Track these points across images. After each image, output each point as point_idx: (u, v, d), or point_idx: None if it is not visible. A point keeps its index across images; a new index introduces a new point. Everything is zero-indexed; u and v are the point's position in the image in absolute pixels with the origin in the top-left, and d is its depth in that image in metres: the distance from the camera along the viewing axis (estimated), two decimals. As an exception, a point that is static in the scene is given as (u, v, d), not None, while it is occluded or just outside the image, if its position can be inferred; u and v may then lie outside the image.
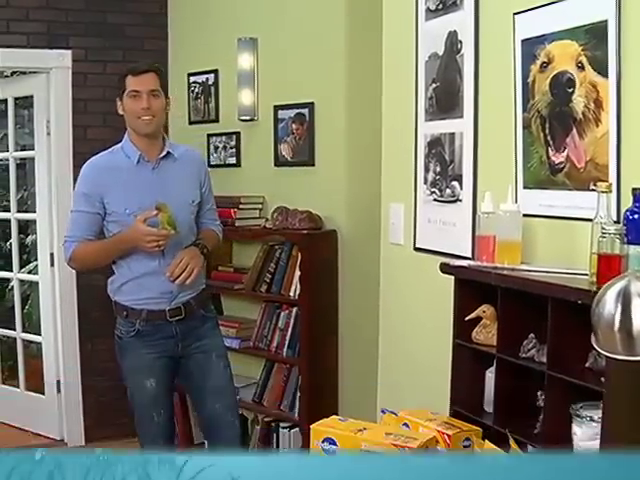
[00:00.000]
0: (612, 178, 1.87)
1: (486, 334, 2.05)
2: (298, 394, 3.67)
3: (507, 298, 1.94)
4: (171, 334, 2.79)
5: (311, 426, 1.89)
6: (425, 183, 2.64)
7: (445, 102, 2.53)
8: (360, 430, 1.84)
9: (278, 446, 3.76)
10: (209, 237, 2.93)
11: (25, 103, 4.81)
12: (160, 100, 2.76)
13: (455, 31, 2.47)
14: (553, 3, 2.04)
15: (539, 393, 1.89)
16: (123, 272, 2.79)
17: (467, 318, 2.08)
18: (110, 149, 2.84)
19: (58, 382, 4.41)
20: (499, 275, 1.93)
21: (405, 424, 1.99)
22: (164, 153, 2.77)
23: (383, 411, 2.75)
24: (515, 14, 2.18)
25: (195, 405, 3.01)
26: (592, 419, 1.70)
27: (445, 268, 2.16)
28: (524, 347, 1.92)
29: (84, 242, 2.76)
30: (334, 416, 1.96)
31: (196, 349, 2.84)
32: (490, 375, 2.06)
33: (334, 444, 1.83)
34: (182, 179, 2.81)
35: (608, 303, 1.37)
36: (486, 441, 1.71)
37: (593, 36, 1.90)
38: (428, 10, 2.60)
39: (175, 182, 2.79)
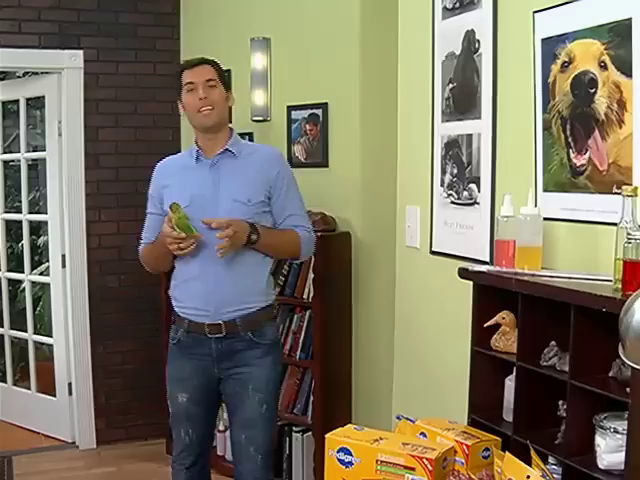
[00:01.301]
0: (636, 181, 1.81)
1: (505, 341, 1.99)
2: (311, 398, 3.63)
3: (528, 304, 1.88)
4: (208, 352, 2.59)
5: (326, 435, 1.84)
6: (442, 185, 2.59)
7: (462, 103, 2.48)
8: (376, 440, 1.79)
9: (290, 451, 3.72)
10: (278, 231, 2.62)
11: (37, 103, 4.80)
12: (218, 91, 2.58)
13: (472, 30, 2.42)
14: (575, 1, 1.99)
15: (560, 402, 1.84)
16: (175, 274, 2.68)
17: (486, 325, 2.03)
18: (184, 151, 2.72)
19: (69, 384, 4.40)
20: (520, 281, 1.87)
21: (422, 433, 1.95)
22: (222, 149, 2.60)
23: (399, 417, 2.69)
24: (535, 12, 2.12)
25: (229, 425, 2.80)
26: (616, 431, 1.65)
27: (464, 273, 2.10)
28: (545, 355, 1.86)
29: (150, 244, 2.69)
30: (349, 425, 1.91)
31: (233, 375, 2.60)
32: (510, 383, 2.00)
33: (349, 454, 1.78)
34: (240, 177, 2.57)
35: (637, 312, 1.31)
36: (507, 453, 1.66)
37: (617, 34, 1.85)
38: (445, 9, 2.55)
39: (230, 179, 2.57)
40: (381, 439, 1.80)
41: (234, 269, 2.55)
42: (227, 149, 2.60)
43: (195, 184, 2.58)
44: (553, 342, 1.86)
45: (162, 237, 2.52)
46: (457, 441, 1.84)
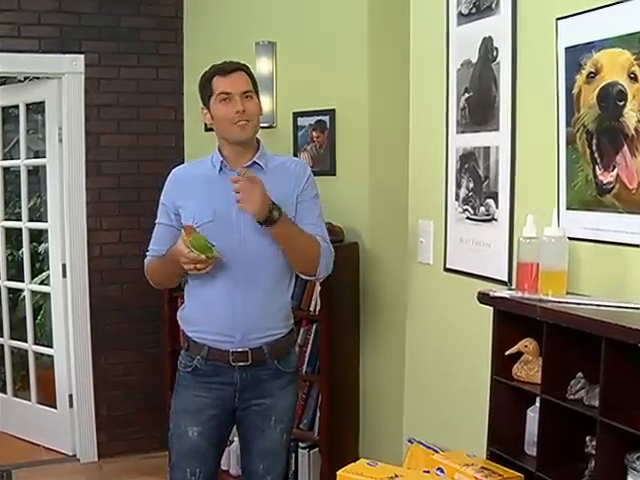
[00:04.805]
0: (669, 201, 1.70)
1: (528, 371, 1.87)
2: (318, 413, 3.53)
3: (553, 333, 1.76)
4: (231, 381, 2.42)
5: (337, 472, 1.74)
6: (457, 200, 2.48)
7: (479, 113, 2.36)
8: (391, 478, 1.69)
9: (297, 467, 3.61)
10: (300, 228, 2.40)
11: (38, 108, 4.71)
12: (254, 102, 2.42)
13: (490, 37, 2.31)
14: (602, 8, 1.87)
15: (588, 438, 1.72)
16: (189, 295, 2.50)
17: (507, 353, 1.91)
18: (202, 158, 2.54)
19: (70, 396, 4.32)
20: (546, 310, 1.75)
21: (440, 469, 1.84)
22: (250, 162, 2.42)
23: (410, 441, 2.58)
24: (558, 19, 2.01)
25: (240, 453, 2.63)
26: (650, 473, 1.53)
27: (484, 298, 1.98)
28: (572, 387, 1.75)
29: (158, 257, 2.49)
30: (362, 459, 1.81)
31: (254, 405, 2.45)
32: (532, 415, 1.89)
33: (363, 494, 1.68)
34: (269, 193, 2.34)
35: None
36: (533, 497, 1.55)
37: (648, 44, 1.73)
38: (460, 14, 2.44)
39: None
40: (396, 476, 1.70)
41: (261, 292, 2.40)
42: (255, 162, 2.43)
43: (219, 198, 2.38)
44: (580, 374, 1.75)
45: (176, 255, 2.31)
46: (477, 478, 1.73)
